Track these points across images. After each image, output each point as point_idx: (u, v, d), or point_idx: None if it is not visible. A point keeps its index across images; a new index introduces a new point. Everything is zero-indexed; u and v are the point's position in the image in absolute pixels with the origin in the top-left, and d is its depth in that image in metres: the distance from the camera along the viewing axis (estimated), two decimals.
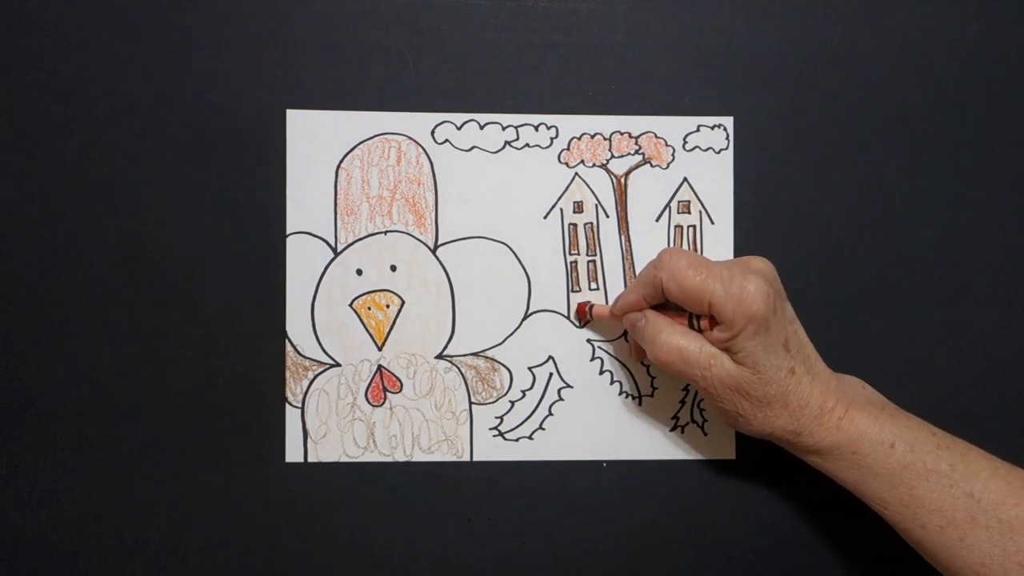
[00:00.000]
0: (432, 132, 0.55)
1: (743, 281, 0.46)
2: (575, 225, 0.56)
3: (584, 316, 0.55)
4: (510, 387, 0.55)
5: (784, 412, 0.48)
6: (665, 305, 0.51)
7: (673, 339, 0.49)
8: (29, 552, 0.54)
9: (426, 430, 0.55)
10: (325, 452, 0.55)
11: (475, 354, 0.55)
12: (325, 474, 0.55)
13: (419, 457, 0.55)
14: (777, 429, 0.49)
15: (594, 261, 0.56)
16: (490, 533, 0.55)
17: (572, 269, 0.56)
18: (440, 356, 0.55)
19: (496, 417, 0.55)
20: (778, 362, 0.47)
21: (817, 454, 0.49)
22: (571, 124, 0.55)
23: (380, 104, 0.55)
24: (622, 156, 0.56)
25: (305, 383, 0.55)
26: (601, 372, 0.56)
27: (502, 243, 0.55)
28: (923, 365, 0.56)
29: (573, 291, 0.56)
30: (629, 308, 0.52)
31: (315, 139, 0.55)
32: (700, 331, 0.49)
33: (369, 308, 0.55)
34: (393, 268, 0.55)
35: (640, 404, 0.56)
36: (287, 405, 0.55)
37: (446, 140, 0.55)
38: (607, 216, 0.56)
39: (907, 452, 0.47)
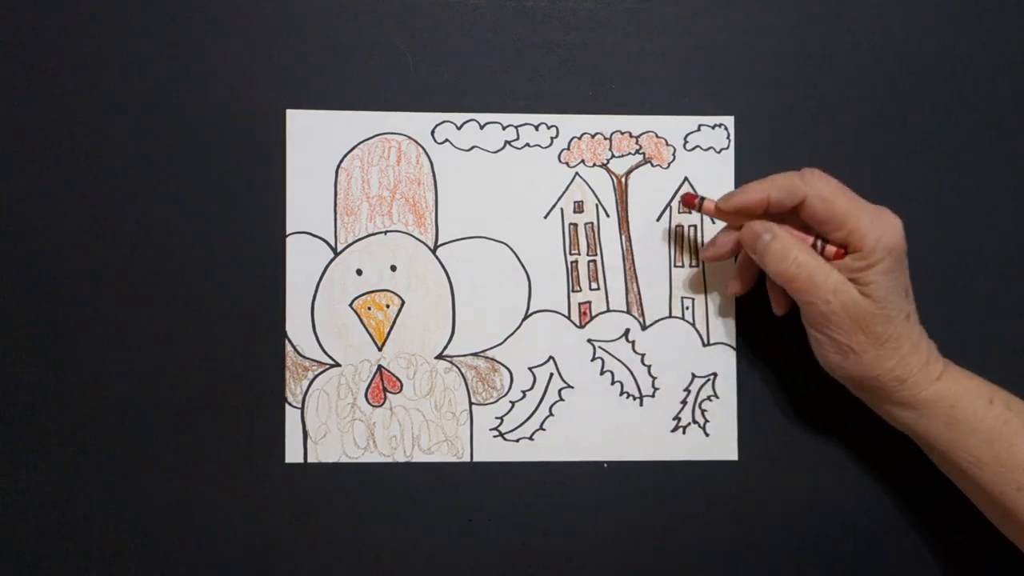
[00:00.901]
0: (432, 132, 0.55)
1: (887, 215, 0.47)
2: (575, 225, 0.56)
3: (693, 206, 0.52)
4: (510, 387, 0.55)
5: (896, 354, 0.48)
6: (780, 219, 0.50)
7: (804, 257, 0.48)
8: (29, 552, 0.54)
9: (426, 430, 0.55)
10: (325, 452, 0.55)
11: (475, 354, 0.55)
12: (325, 474, 0.55)
13: (419, 457, 0.55)
14: (884, 372, 0.48)
15: (595, 261, 0.56)
16: (490, 533, 0.55)
17: (572, 269, 0.56)
18: (440, 356, 0.55)
19: (496, 417, 0.55)
20: (900, 304, 0.47)
21: (914, 407, 0.49)
22: (571, 124, 0.55)
23: (380, 104, 0.55)
24: (623, 156, 0.56)
25: (305, 383, 0.55)
26: (602, 372, 0.56)
27: (502, 243, 0.55)
28: None
29: (573, 291, 0.56)
30: (747, 206, 0.49)
31: (315, 139, 0.55)
32: (825, 258, 0.48)
33: (369, 308, 0.55)
34: (393, 268, 0.55)
35: (641, 404, 0.56)
36: (287, 405, 0.55)
37: (446, 140, 0.55)
38: (607, 216, 0.56)
39: (1005, 409, 0.47)
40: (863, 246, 0.47)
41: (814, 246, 0.49)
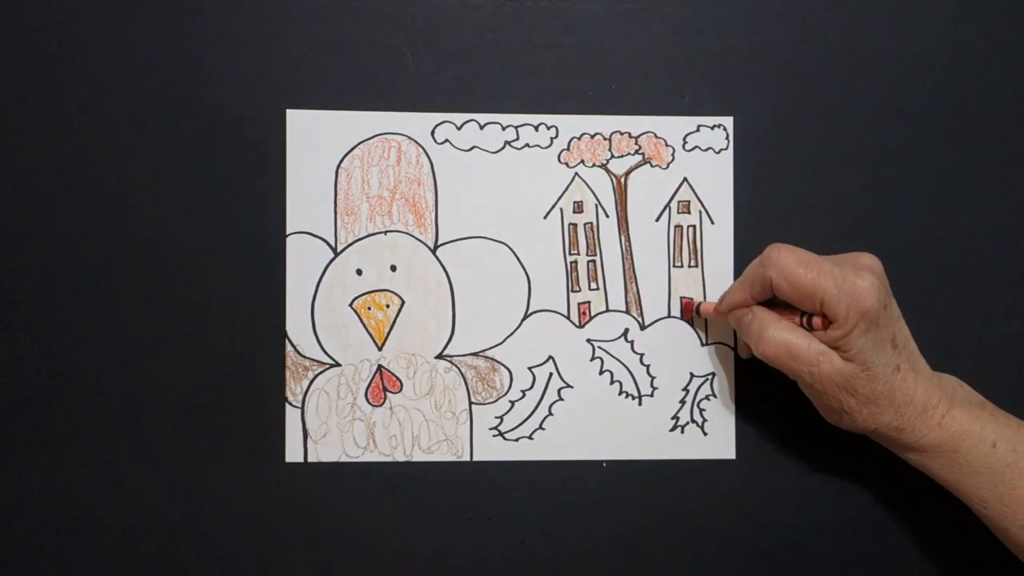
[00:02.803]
0: (432, 132, 0.55)
1: (855, 278, 0.47)
2: (575, 225, 0.56)
3: (691, 314, 0.55)
4: (510, 387, 0.55)
5: (890, 409, 0.48)
6: (772, 301, 0.50)
7: (780, 334, 0.48)
8: (29, 552, 0.54)
9: (426, 430, 0.55)
10: (325, 452, 0.55)
11: (475, 354, 0.55)
12: (325, 474, 0.55)
13: (419, 457, 0.55)
14: (881, 426, 0.49)
15: (594, 261, 0.56)
16: (490, 533, 0.55)
17: (572, 269, 0.56)
18: (440, 356, 0.55)
19: (496, 417, 0.55)
20: (886, 359, 0.47)
21: (917, 451, 0.49)
22: (571, 124, 0.56)
23: (380, 104, 0.55)
24: (622, 156, 0.56)
25: (305, 383, 0.55)
26: (601, 372, 0.56)
27: (502, 243, 0.55)
28: None
29: (573, 291, 0.56)
30: (736, 306, 0.52)
31: (315, 139, 0.55)
32: (811, 329, 0.48)
33: (369, 308, 0.55)
34: (393, 268, 0.55)
35: (640, 404, 0.56)
36: (287, 405, 0.55)
37: (446, 140, 0.55)
38: (607, 216, 0.56)
39: (1009, 452, 0.47)
40: (835, 318, 0.47)
41: (802, 321, 0.49)
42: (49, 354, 0.54)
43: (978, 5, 0.56)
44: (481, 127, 0.55)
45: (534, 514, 0.55)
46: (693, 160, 0.56)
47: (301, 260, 0.55)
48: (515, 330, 0.55)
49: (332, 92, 0.55)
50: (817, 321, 0.48)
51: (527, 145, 0.55)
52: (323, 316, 0.55)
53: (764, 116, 0.56)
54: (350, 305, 0.55)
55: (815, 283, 0.47)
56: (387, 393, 0.55)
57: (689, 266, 0.56)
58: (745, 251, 0.55)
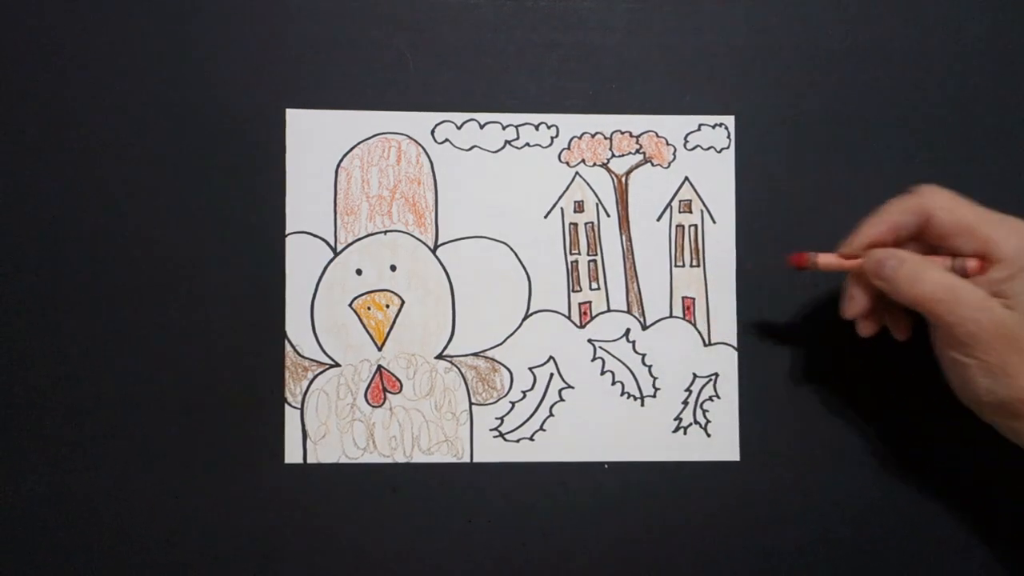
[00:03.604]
0: (432, 132, 0.55)
1: (1016, 220, 0.44)
2: (576, 225, 0.56)
3: (805, 265, 0.50)
4: (510, 388, 0.55)
5: None
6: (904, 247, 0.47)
7: (944, 277, 0.44)
8: (29, 552, 0.54)
9: (426, 431, 0.55)
10: (325, 453, 0.55)
11: (475, 354, 0.55)
12: (325, 475, 0.55)
13: (419, 458, 0.55)
14: None
15: (595, 261, 0.56)
16: (490, 534, 0.55)
17: (573, 269, 0.55)
18: (440, 356, 0.55)
19: (496, 418, 0.55)
20: None
21: None
22: (571, 123, 0.55)
23: (380, 104, 0.55)
24: (623, 155, 0.56)
25: (305, 383, 0.55)
26: (603, 373, 0.55)
27: (502, 243, 0.55)
28: (921, 364, 0.55)
29: (574, 291, 0.55)
30: (874, 243, 0.47)
31: (315, 139, 0.55)
32: (964, 274, 0.44)
33: (369, 308, 0.55)
34: (393, 268, 0.55)
35: (642, 405, 0.55)
36: (286, 405, 0.54)
37: (446, 140, 0.55)
38: (608, 215, 0.56)
39: None
40: (1002, 256, 0.43)
41: (953, 265, 0.45)
42: (49, 354, 0.54)
43: (979, 5, 0.56)
44: (481, 127, 0.55)
45: (535, 516, 0.55)
46: (694, 159, 0.56)
47: (301, 260, 0.55)
48: (515, 330, 0.55)
49: (332, 92, 0.55)
50: (973, 264, 0.44)
51: (527, 144, 0.55)
52: (323, 316, 0.55)
53: (766, 115, 0.56)
54: (350, 305, 0.55)
55: (980, 216, 0.44)
56: (387, 394, 0.55)
57: (691, 265, 0.56)
58: (747, 250, 0.55)
